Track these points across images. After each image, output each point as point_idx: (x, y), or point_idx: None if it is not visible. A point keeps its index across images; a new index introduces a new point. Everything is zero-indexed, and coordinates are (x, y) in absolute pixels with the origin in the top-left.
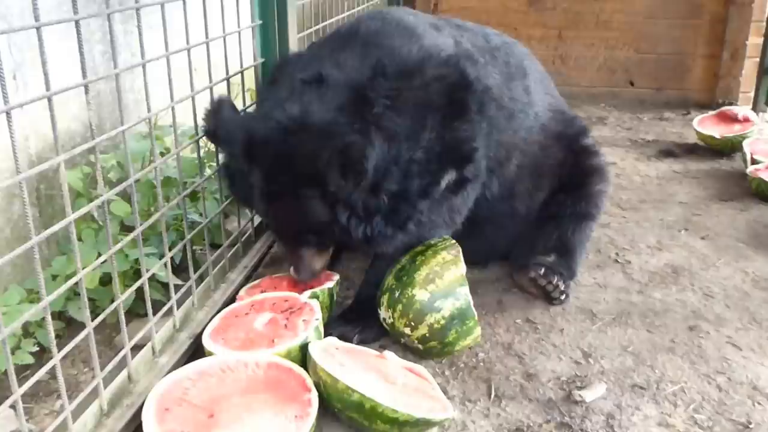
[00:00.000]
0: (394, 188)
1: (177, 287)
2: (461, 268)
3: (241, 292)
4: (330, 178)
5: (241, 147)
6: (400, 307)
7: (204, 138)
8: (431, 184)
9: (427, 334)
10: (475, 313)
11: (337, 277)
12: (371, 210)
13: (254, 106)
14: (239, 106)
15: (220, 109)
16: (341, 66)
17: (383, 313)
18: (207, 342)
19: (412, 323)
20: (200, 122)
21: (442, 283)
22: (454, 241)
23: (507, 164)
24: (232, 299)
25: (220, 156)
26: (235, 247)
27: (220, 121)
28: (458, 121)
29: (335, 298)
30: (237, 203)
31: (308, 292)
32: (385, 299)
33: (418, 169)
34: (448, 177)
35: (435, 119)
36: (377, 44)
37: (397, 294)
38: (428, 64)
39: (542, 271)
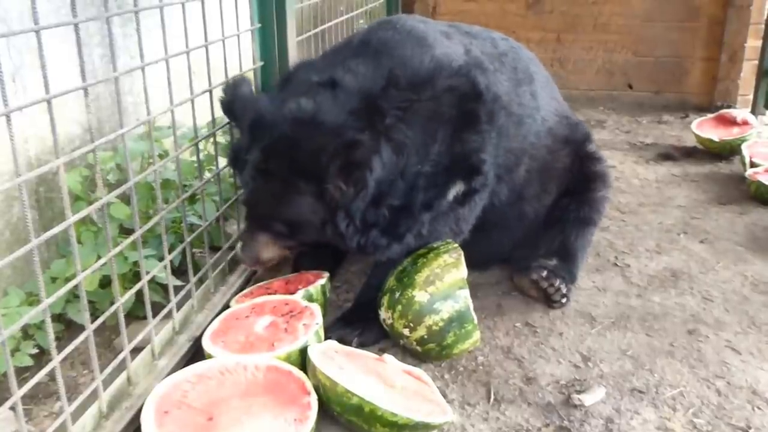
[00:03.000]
0: (396, 203)
1: (176, 290)
2: (462, 271)
3: (233, 302)
4: (330, 175)
5: (249, 123)
6: (399, 307)
7: (203, 141)
8: (437, 197)
9: (426, 336)
10: (475, 316)
11: (327, 274)
12: (369, 221)
13: None
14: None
15: (239, 85)
16: (354, 73)
17: (383, 313)
18: (207, 344)
19: (411, 324)
20: (218, 95)
21: (442, 285)
22: (456, 244)
23: (516, 170)
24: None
25: (220, 160)
26: (235, 249)
27: (236, 96)
28: (468, 133)
29: (328, 295)
30: (236, 207)
31: (301, 291)
32: (385, 300)
33: (425, 182)
34: (456, 189)
35: (445, 132)
36: (389, 54)
37: (397, 295)
38: (439, 75)
39: (544, 273)
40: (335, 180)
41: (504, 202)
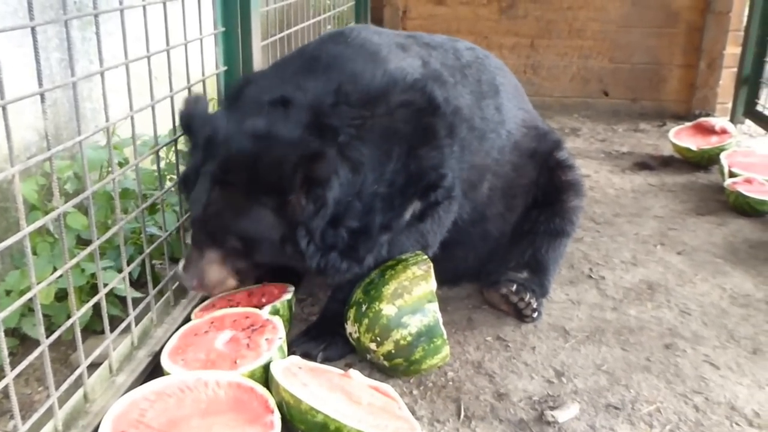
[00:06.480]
0: (355, 225)
1: (135, 303)
2: (431, 284)
3: (194, 314)
4: (293, 186)
5: (203, 140)
6: (366, 321)
7: (164, 149)
8: (394, 218)
9: (393, 351)
10: (444, 331)
11: (292, 288)
12: (329, 243)
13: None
14: (187, 161)
15: (198, 101)
16: (304, 90)
17: (349, 327)
18: (166, 363)
19: (378, 339)
20: (179, 103)
21: (411, 298)
22: (425, 256)
23: (479, 187)
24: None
25: (181, 168)
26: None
27: (195, 112)
28: (425, 149)
29: (293, 309)
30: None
31: (268, 307)
32: (351, 313)
33: (382, 204)
34: (413, 208)
35: (401, 149)
36: (340, 69)
37: (364, 308)
38: (393, 89)
39: (514, 287)
40: (297, 193)
41: (467, 221)
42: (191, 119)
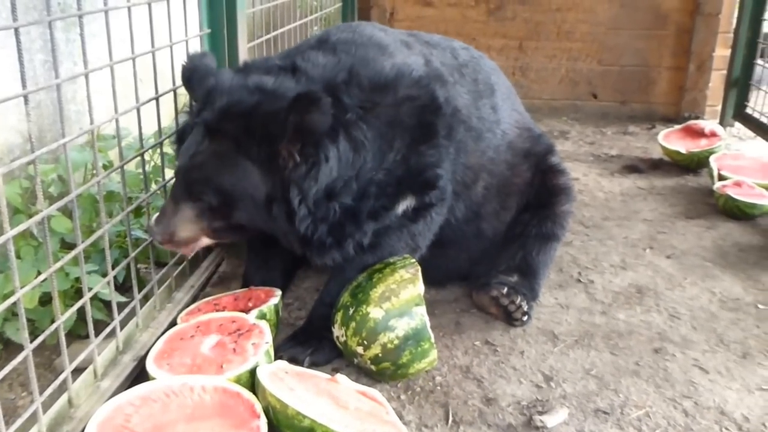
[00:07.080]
0: (348, 203)
1: (120, 307)
2: (419, 287)
3: (179, 318)
4: (286, 132)
5: (204, 92)
6: (353, 324)
7: (149, 151)
8: (384, 208)
9: (380, 354)
10: (432, 335)
11: (279, 292)
12: (320, 215)
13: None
14: (185, 117)
15: (203, 56)
16: (315, 64)
17: (336, 331)
18: (151, 368)
19: (365, 342)
20: (181, 65)
21: (398, 301)
22: (413, 259)
23: (474, 187)
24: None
25: (167, 171)
26: (182, 265)
27: (198, 66)
28: (425, 146)
29: (280, 314)
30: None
31: (255, 311)
32: (339, 317)
33: (376, 190)
34: (407, 203)
35: (402, 141)
36: (351, 53)
37: (351, 311)
38: (401, 82)
39: (505, 290)
40: (289, 142)
41: (461, 219)
42: (193, 72)
